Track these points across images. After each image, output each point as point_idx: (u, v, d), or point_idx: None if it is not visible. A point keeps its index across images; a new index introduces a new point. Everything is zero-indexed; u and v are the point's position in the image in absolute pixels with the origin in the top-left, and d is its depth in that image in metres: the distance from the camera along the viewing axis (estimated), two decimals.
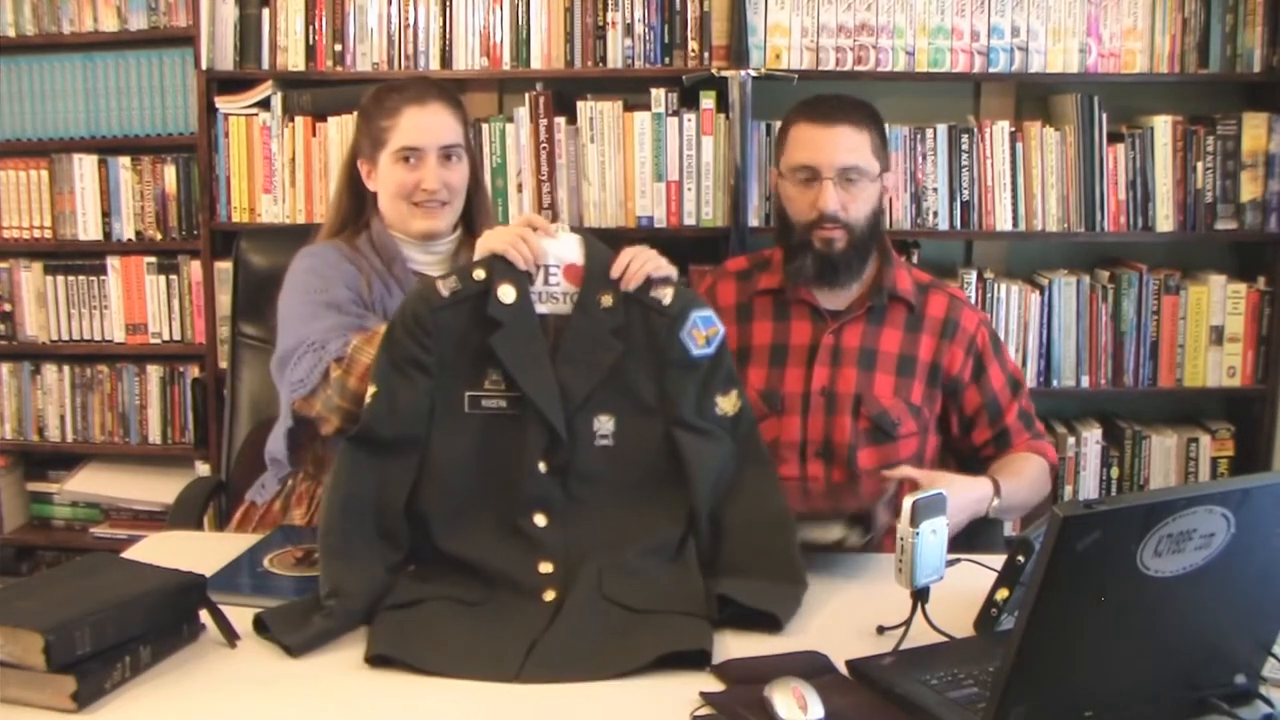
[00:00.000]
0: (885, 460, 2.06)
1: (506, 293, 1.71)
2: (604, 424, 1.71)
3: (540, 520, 1.67)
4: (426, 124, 1.99)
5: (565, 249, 1.75)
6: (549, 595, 1.60)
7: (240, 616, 1.53)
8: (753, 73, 2.86)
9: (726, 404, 1.74)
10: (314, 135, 2.99)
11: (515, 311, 1.70)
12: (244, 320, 2.26)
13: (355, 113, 2.11)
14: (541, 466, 1.68)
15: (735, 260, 2.28)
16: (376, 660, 1.47)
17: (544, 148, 2.92)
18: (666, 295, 1.75)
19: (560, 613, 1.56)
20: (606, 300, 1.73)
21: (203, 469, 3.04)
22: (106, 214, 3.14)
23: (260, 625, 1.53)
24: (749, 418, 1.76)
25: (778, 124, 2.88)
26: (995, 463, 2.11)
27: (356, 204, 2.08)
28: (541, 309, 1.73)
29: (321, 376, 1.82)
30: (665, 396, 1.72)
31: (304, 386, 1.84)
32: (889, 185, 2.20)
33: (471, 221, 2.08)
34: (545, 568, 1.64)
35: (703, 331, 1.75)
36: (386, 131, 1.99)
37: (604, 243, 1.77)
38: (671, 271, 1.79)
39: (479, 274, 1.72)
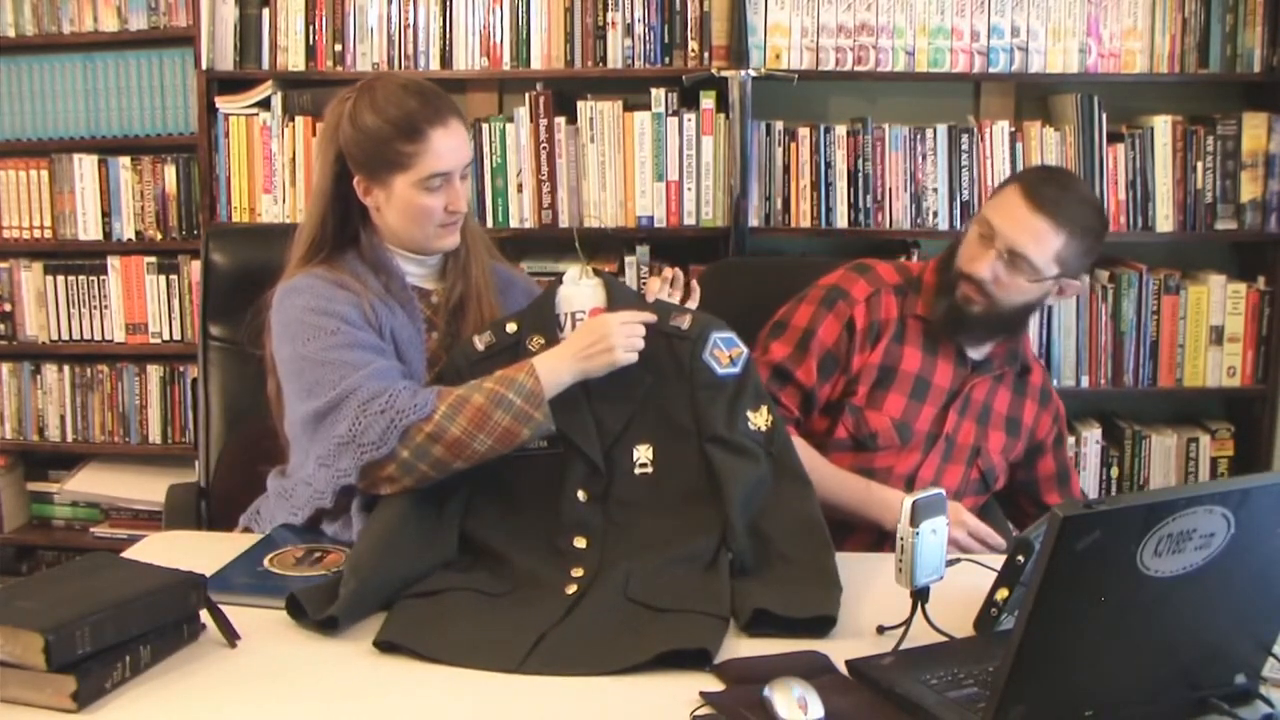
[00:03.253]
0: (978, 508, 2.12)
1: (536, 343, 1.80)
2: (642, 453, 1.77)
3: (580, 543, 1.71)
4: (453, 146, 1.85)
5: (589, 294, 1.84)
6: (571, 589, 1.63)
7: (240, 616, 1.53)
8: (753, 73, 2.86)
9: (758, 419, 1.78)
10: (314, 135, 2.98)
11: None
12: (214, 322, 2.23)
13: (331, 124, 1.88)
14: (581, 495, 1.74)
15: (887, 270, 2.16)
16: (383, 646, 1.49)
17: (544, 148, 2.92)
18: (685, 321, 1.83)
19: (577, 607, 1.58)
20: None
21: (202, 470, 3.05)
22: (106, 214, 3.14)
23: (294, 609, 1.55)
24: (782, 434, 1.80)
25: (779, 124, 2.92)
26: None
27: (342, 220, 1.91)
28: None
29: (399, 438, 1.69)
30: (698, 417, 1.77)
31: (379, 449, 1.69)
32: (1069, 291, 2.11)
33: None
34: (577, 572, 1.67)
35: (725, 352, 1.81)
36: (409, 157, 1.82)
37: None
38: (678, 274, 1.91)
39: (511, 327, 1.83)
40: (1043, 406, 2.20)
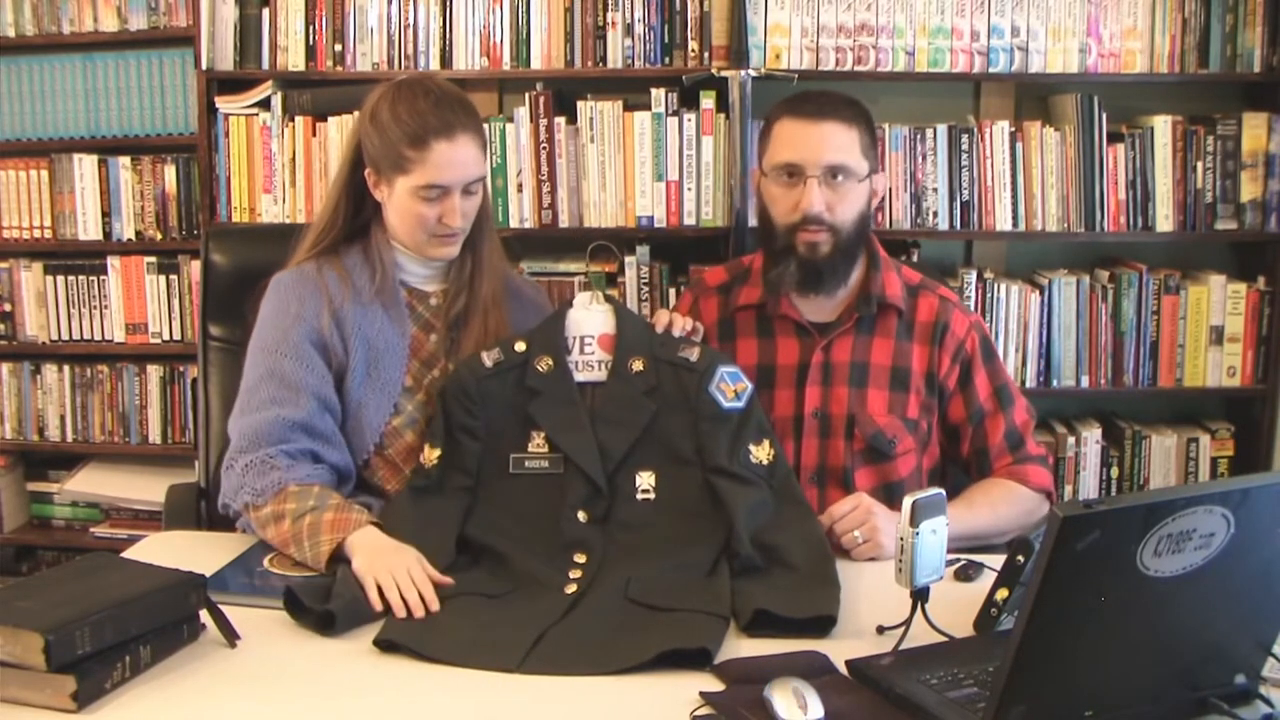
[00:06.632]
0: (883, 480, 2.00)
1: (544, 363, 1.83)
2: (645, 479, 1.79)
3: (580, 558, 1.72)
4: (454, 161, 1.86)
5: (598, 321, 1.87)
6: (570, 589, 1.64)
7: (240, 616, 1.53)
8: (753, 73, 2.86)
9: (760, 452, 1.81)
10: (314, 135, 2.99)
11: (553, 380, 1.83)
12: (213, 322, 2.23)
13: (361, 113, 1.96)
14: (581, 516, 1.75)
15: (714, 273, 2.17)
16: (383, 646, 1.50)
17: (544, 148, 2.92)
18: (694, 353, 1.86)
19: (577, 606, 1.59)
20: (637, 365, 1.84)
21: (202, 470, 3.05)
22: (106, 214, 3.14)
23: (293, 604, 1.57)
24: (784, 467, 1.82)
25: None
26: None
27: (355, 209, 1.99)
28: (580, 377, 1.85)
29: (240, 505, 1.80)
30: (701, 448, 1.80)
31: (224, 500, 1.84)
32: (879, 187, 2.09)
33: (473, 230, 1.98)
34: (575, 573, 1.68)
35: (731, 386, 1.84)
36: (410, 162, 1.86)
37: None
38: (698, 325, 1.95)
39: (520, 346, 1.86)
40: (935, 345, 2.04)
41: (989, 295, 2.94)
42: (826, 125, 1.98)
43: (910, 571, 1.47)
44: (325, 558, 1.68)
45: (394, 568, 1.62)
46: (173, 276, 3.12)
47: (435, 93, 1.90)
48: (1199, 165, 2.91)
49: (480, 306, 1.97)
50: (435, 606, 1.59)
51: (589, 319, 1.88)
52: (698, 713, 1.34)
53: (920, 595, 1.50)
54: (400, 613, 1.58)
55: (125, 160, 3.11)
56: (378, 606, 1.58)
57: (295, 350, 1.88)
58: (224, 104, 3.02)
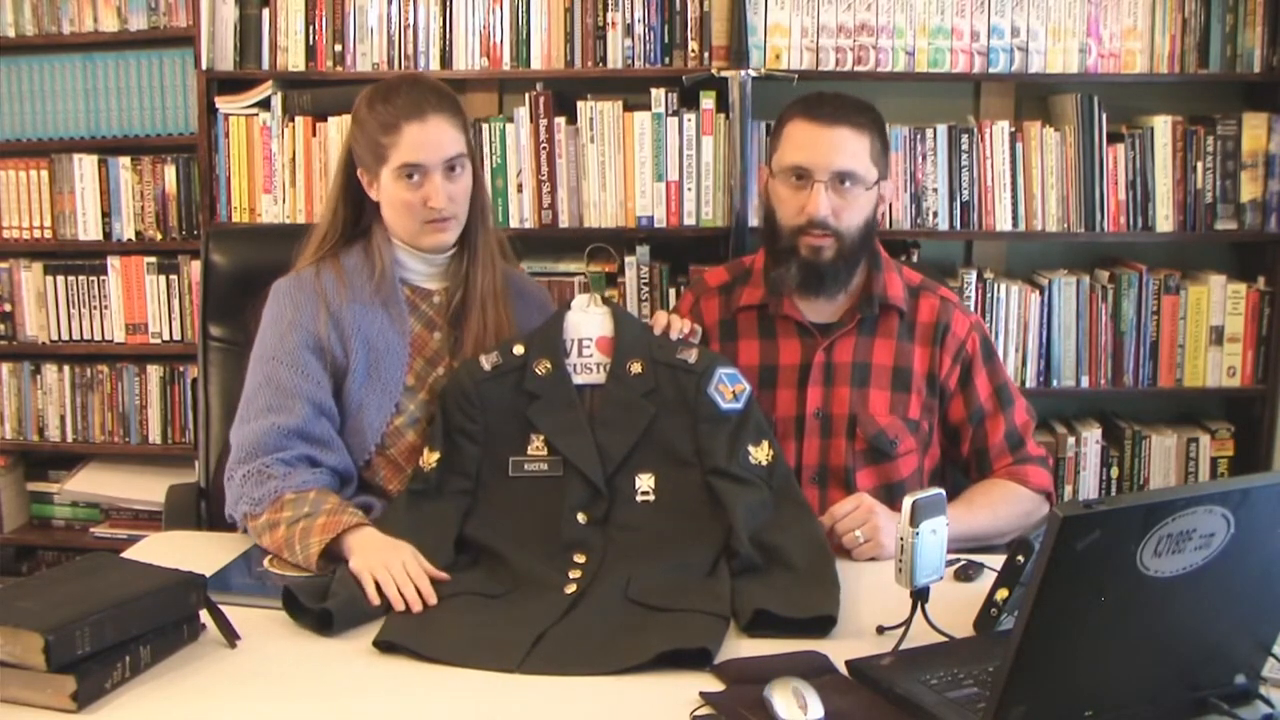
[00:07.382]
0: (885, 480, 2.01)
1: (543, 366, 1.84)
2: (644, 481, 1.79)
3: (579, 558, 1.72)
4: (428, 140, 1.88)
5: (596, 323, 1.88)
6: (570, 589, 1.64)
7: (240, 616, 1.54)
8: (753, 73, 2.86)
9: (759, 453, 1.81)
10: (314, 135, 2.99)
11: (552, 383, 1.83)
12: (213, 322, 2.24)
13: (351, 118, 2.00)
14: (581, 518, 1.76)
15: (715, 273, 2.18)
16: (383, 646, 1.50)
17: (544, 148, 2.92)
18: (692, 355, 1.87)
19: (577, 606, 1.59)
20: (636, 367, 1.85)
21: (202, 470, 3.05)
22: (106, 214, 3.14)
23: (291, 603, 1.57)
24: (784, 467, 1.83)
25: None
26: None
27: (354, 212, 2.00)
28: (579, 380, 1.85)
29: (240, 515, 1.82)
30: (700, 449, 1.80)
31: (227, 508, 1.85)
32: (887, 194, 2.09)
33: (469, 222, 2.00)
34: (575, 573, 1.68)
35: (729, 387, 1.85)
36: (386, 148, 1.89)
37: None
38: (696, 327, 1.95)
39: (518, 349, 1.87)
40: (936, 345, 2.05)
41: (989, 295, 2.94)
42: (839, 130, 1.98)
43: (910, 571, 1.47)
44: (315, 557, 1.68)
45: (389, 563, 1.63)
46: (173, 276, 3.12)
47: (408, 85, 1.94)
48: (1199, 165, 2.91)
49: (478, 299, 1.97)
50: (433, 600, 1.60)
51: (587, 322, 1.88)
52: (698, 713, 1.34)
53: (920, 595, 1.50)
54: (399, 606, 1.59)
55: (125, 160, 3.11)
56: (375, 601, 1.59)
57: (291, 357, 1.89)
58: (224, 104, 3.02)
